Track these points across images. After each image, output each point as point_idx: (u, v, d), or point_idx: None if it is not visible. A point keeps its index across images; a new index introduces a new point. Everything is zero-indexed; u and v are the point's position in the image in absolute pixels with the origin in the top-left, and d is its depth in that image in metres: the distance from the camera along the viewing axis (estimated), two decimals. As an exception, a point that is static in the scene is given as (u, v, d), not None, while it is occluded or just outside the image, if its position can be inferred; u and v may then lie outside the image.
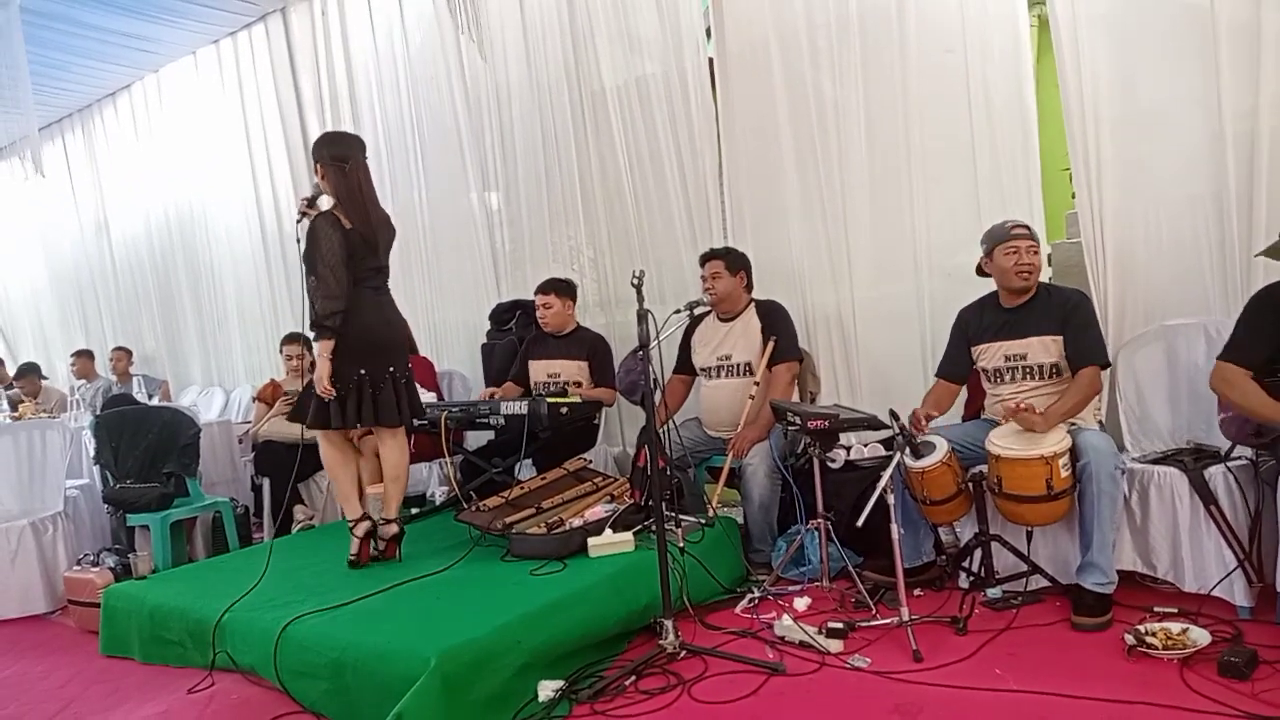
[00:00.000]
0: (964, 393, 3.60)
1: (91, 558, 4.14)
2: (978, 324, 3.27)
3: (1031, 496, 2.84)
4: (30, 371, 7.53)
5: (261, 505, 4.82)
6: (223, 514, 4.50)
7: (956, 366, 3.34)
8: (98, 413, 5.08)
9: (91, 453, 4.71)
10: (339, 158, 3.37)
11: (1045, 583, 3.05)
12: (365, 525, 3.46)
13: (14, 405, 7.36)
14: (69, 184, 8.65)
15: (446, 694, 2.35)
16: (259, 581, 3.24)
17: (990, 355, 3.22)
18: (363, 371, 3.36)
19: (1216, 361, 2.70)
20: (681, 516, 3.43)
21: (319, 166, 3.40)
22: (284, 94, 6.44)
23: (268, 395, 5.13)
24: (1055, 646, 2.71)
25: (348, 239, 3.29)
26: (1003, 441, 2.92)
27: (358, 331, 3.34)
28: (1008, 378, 3.18)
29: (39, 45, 6.15)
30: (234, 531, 4.44)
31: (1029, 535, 3.04)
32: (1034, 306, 3.14)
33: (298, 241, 3.36)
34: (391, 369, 3.44)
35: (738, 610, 3.25)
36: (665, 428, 3.40)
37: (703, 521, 3.50)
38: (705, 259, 3.94)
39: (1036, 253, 3.12)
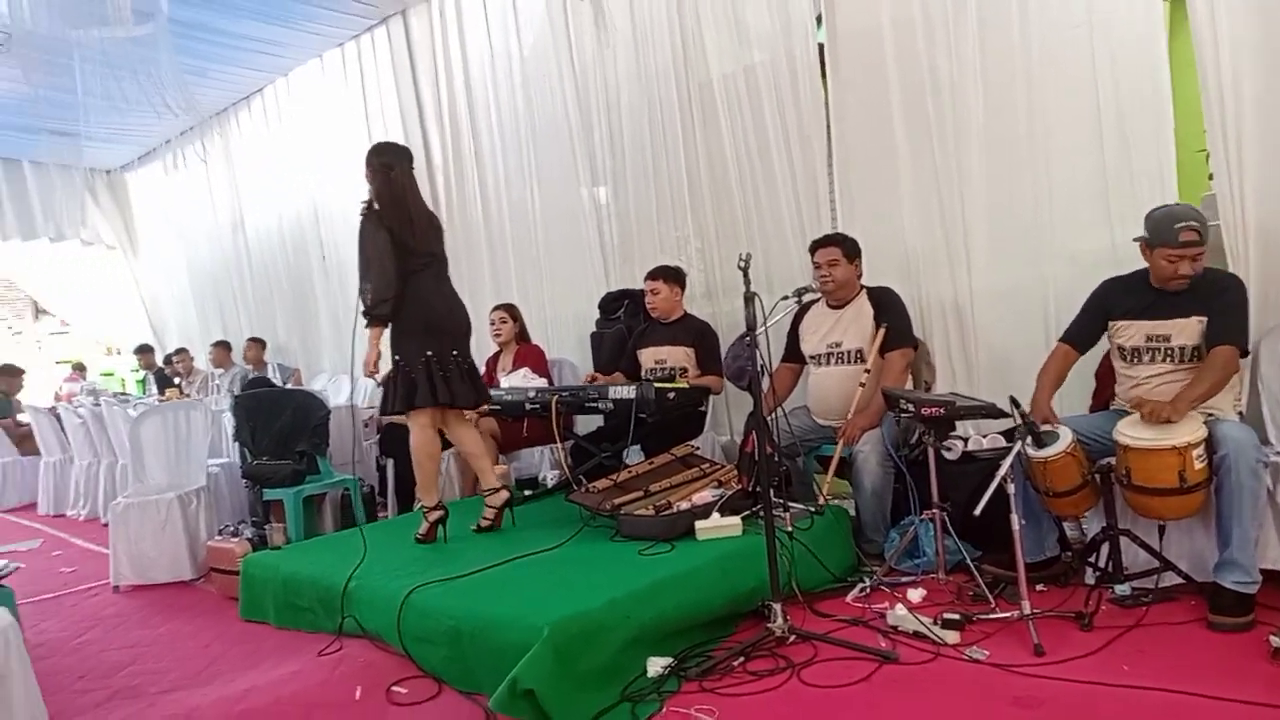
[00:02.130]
0: (1092, 382, 3.45)
1: (231, 529, 4.44)
2: (1124, 298, 3.07)
3: (1163, 489, 2.70)
4: (183, 351, 8.54)
5: (386, 485, 5.04)
6: (351, 491, 4.74)
7: (1083, 334, 3.18)
8: (236, 395, 5.42)
9: (231, 431, 5.03)
10: (386, 165, 3.64)
11: (1179, 580, 2.89)
12: (438, 514, 3.65)
13: (162, 388, 7.98)
14: (207, 184, 9.24)
15: (558, 662, 2.42)
16: (364, 556, 3.40)
17: (1131, 333, 3.05)
18: (430, 353, 3.55)
19: None
20: (790, 504, 3.42)
21: (369, 171, 3.66)
22: (404, 93, 6.71)
23: (390, 381, 5.35)
24: (1189, 646, 2.57)
25: (392, 235, 3.50)
26: (1132, 431, 2.79)
27: (421, 314, 3.56)
28: (1146, 358, 3.01)
29: (181, 53, 6.58)
30: (361, 508, 4.67)
31: (1161, 530, 2.89)
32: (1189, 287, 2.92)
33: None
34: (456, 352, 3.62)
35: (848, 599, 3.22)
36: (773, 415, 3.39)
37: (812, 510, 3.47)
38: (819, 245, 3.90)
39: (1199, 260, 2.85)
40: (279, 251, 8.49)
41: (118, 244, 10.83)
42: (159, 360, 9.52)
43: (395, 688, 2.78)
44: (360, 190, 7.01)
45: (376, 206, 3.57)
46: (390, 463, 4.98)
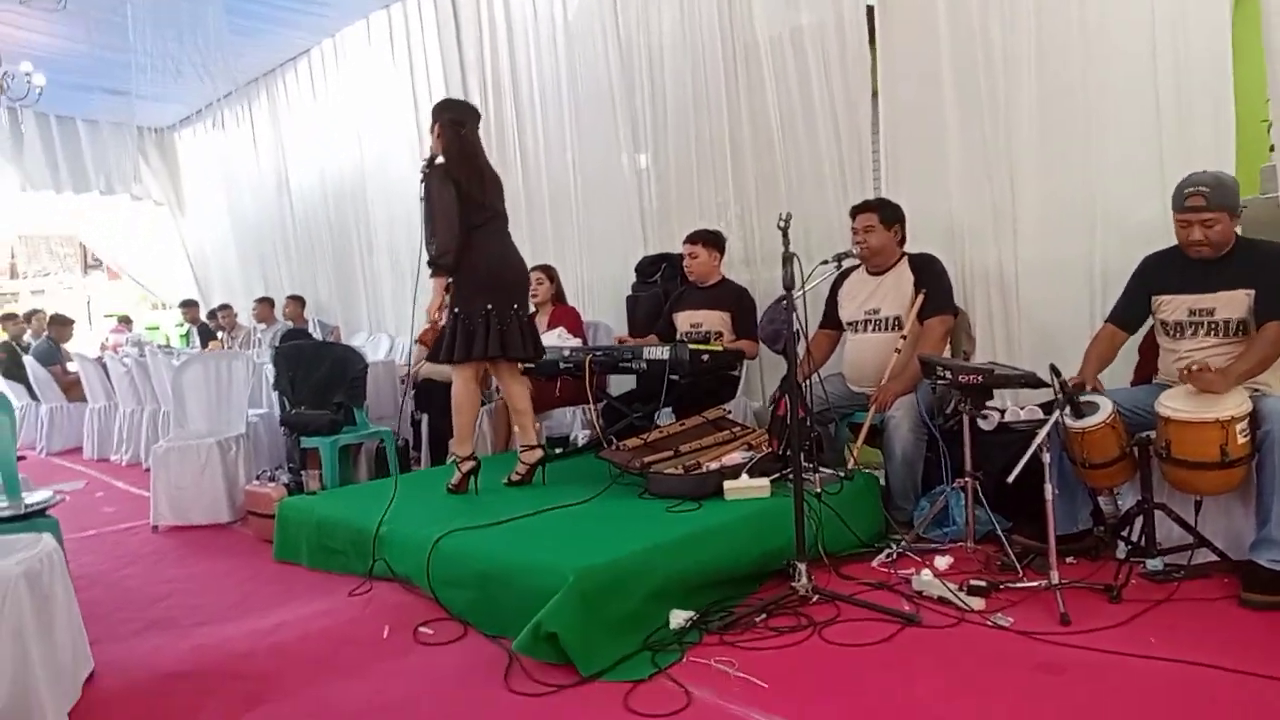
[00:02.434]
0: (1135, 355, 3.39)
1: (269, 474, 4.53)
2: (1163, 273, 3.03)
3: (1203, 463, 2.64)
4: (227, 307, 8.71)
5: (420, 438, 5.11)
6: (385, 443, 4.81)
7: (1130, 314, 3.13)
8: (276, 346, 5.51)
9: (271, 381, 5.12)
10: (456, 121, 3.68)
11: (1213, 558, 2.84)
12: (471, 465, 3.71)
13: (205, 342, 8.15)
14: (253, 144, 9.35)
15: (583, 608, 2.44)
16: (392, 501, 3.45)
17: (1173, 308, 2.99)
18: (490, 306, 3.59)
19: None
20: (820, 468, 3.41)
21: (436, 126, 3.68)
22: (448, 55, 6.71)
23: (428, 338, 5.38)
24: (1220, 622, 2.53)
25: (458, 190, 3.54)
26: (1174, 403, 2.73)
27: (483, 267, 3.61)
28: (1189, 332, 2.95)
29: (230, 12, 6.64)
30: (395, 460, 4.74)
31: (1197, 506, 2.83)
32: (1230, 259, 2.87)
33: (420, 199, 3.63)
34: (515, 306, 3.66)
35: (874, 564, 3.21)
36: (808, 381, 3.37)
37: (841, 475, 3.46)
38: (857, 211, 3.85)
39: (1211, 226, 2.80)
40: (321, 212, 8.59)
41: (165, 201, 11.03)
42: (203, 315, 9.71)
43: (422, 628, 2.83)
44: (403, 152, 7.20)
45: (441, 161, 3.61)
46: (425, 417, 5.04)
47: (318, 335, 7.15)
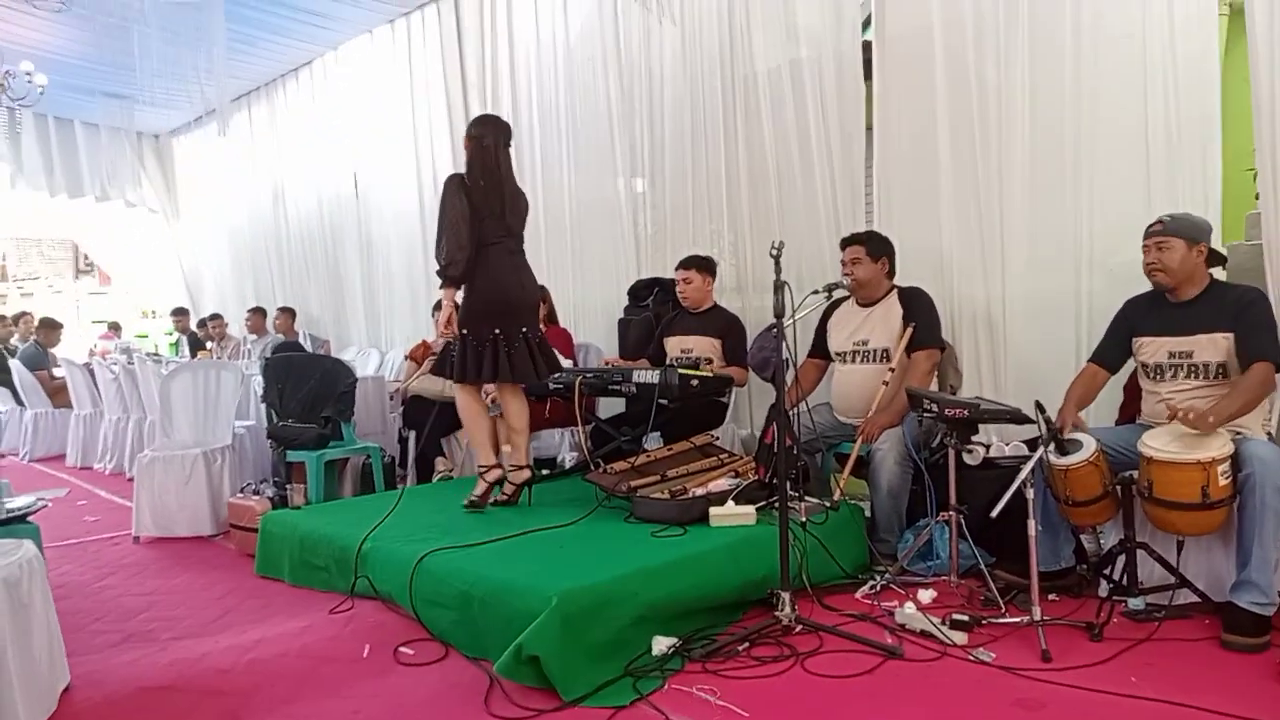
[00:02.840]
0: (1120, 395, 3.42)
1: (253, 487, 4.51)
2: (1144, 316, 3.10)
3: (1185, 504, 2.67)
4: (218, 316, 8.72)
5: (407, 455, 5.09)
6: (372, 459, 4.79)
7: (1111, 354, 3.18)
8: (267, 357, 5.50)
9: (259, 393, 5.11)
10: (480, 134, 3.72)
11: (1194, 598, 2.86)
12: (497, 473, 3.70)
13: (194, 352, 8.12)
14: (250, 153, 9.37)
15: (565, 632, 2.44)
16: (391, 510, 3.45)
17: (1153, 350, 3.04)
18: (498, 331, 3.60)
19: None
20: (805, 498, 3.41)
21: (466, 139, 3.76)
22: (450, 72, 6.76)
23: (418, 354, 5.41)
24: (1201, 663, 2.55)
25: (472, 201, 3.58)
26: (1156, 443, 2.76)
27: (491, 290, 3.62)
28: (1169, 375, 2.99)
29: (233, 20, 6.66)
30: (381, 476, 4.72)
31: (1179, 546, 2.85)
32: (1205, 302, 2.95)
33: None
34: (524, 329, 3.67)
35: (858, 595, 3.22)
36: (795, 409, 3.39)
37: (827, 505, 3.47)
38: (846, 243, 3.90)
39: (1166, 248, 2.95)
40: (316, 225, 8.60)
41: (160, 208, 11.02)
42: (193, 324, 9.68)
43: (403, 648, 2.82)
44: (401, 168, 7.23)
45: (460, 172, 3.69)
46: (412, 434, 5.03)
47: (308, 349, 7.14)
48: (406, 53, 7.20)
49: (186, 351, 8.85)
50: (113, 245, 11.59)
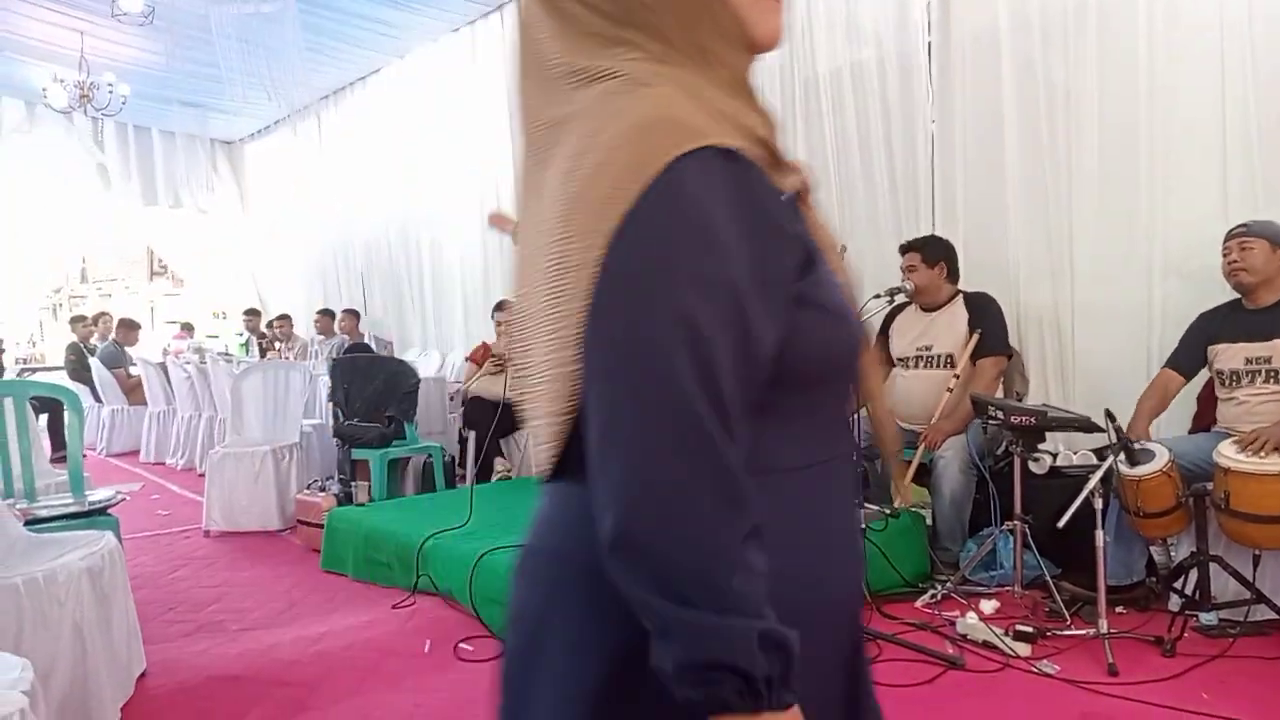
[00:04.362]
0: (1194, 405, 3.32)
1: (319, 484, 4.64)
2: (1219, 323, 3.06)
3: (1264, 516, 2.58)
4: (286, 317, 8.97)
5: (466, 455, 5.17)
6: (434, 458, 4.88)
7: (1186, 360, 3.13)
8: (334, 358, 5.64)
9: (326, 393, 5.24)
10: None
11: (1272, 615, 2.75)
12: None
13: (263, 352, 8.36)
14: (320, 158, 9.61)
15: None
16: (469, 518, 3.50)
17: (1229, 356, 2.97)
18: None
19: None
20: (865, 504, 3.38)
21: None
22: (510, 77, 6.83)
23: (479, 356, 5.50)
24: (1277, 682, 2.45)
25: None
26: (1235, 454, 2.67)
27: None
28: (1245, 381, 2.92)
29: (305, 30, 6.84)
30: (442, 475, 4.81)
31: (1255, 560, 2.75)
32: None
33: None
34: None
35: (918, 604, 3.17)
36: (856, 415, 3.35)
37: (886, 511, 3.42)
38: (903, 250, 3.84)
39: (1249, 248, 2.92)
40: (382, 229, 8.78)
41: (231, 214, 11.37)
42: (263, 325, 9.97)
43: (463, 644, 2.87)
44: (469, 174, 7.33)
45: None
46: (472, 434, 5.10)
47: (375, 350, 7.30)
48: (471, 59, 7.31)
49: (256, 352, 9.12)
50: (185, 248, 11.99)
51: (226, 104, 8.32)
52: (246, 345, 9.56)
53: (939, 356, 3.74)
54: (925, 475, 3.63)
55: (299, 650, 2.90)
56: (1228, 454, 2.68)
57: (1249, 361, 2.92)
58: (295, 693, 2.59)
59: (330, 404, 5.11)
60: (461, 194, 7.52)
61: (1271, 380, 2.86)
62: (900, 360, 3.89)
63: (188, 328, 11.64)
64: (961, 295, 3.80)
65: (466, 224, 7.48)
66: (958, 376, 3.62)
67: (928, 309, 3.83)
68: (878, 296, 3.46)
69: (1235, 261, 2.94)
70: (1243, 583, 2.77)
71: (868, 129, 4.56)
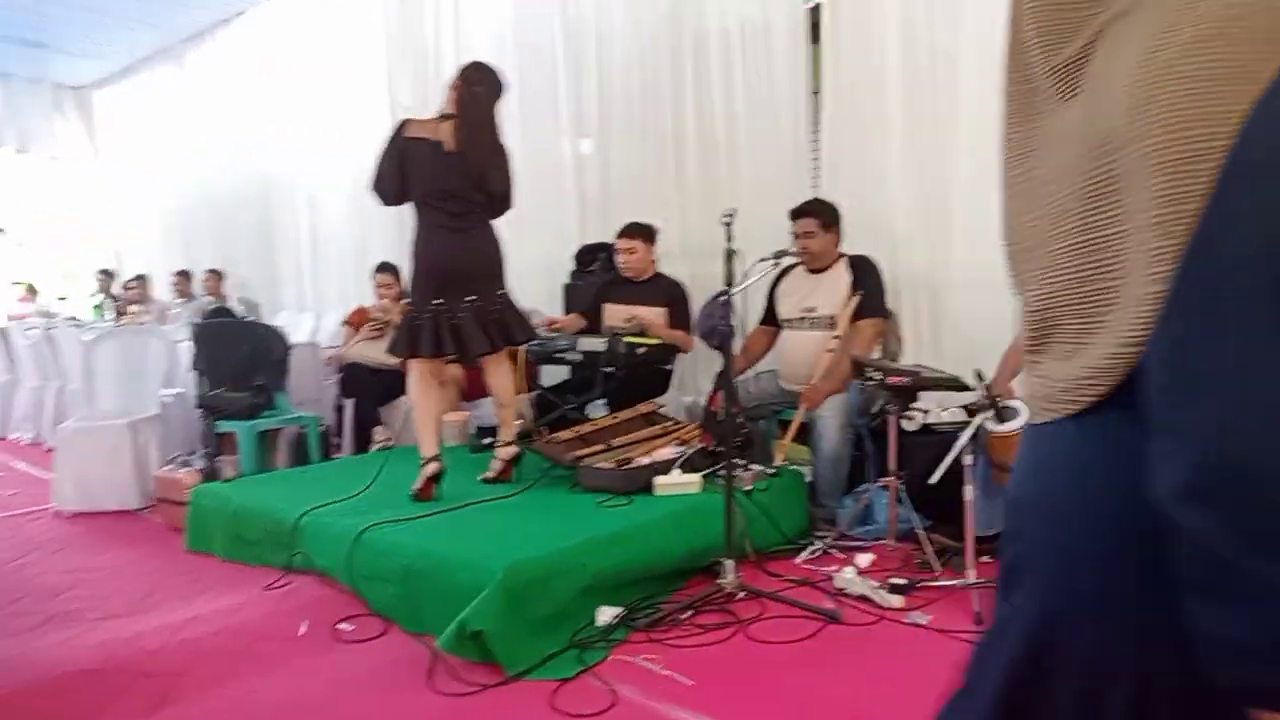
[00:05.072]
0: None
1: (182, 459, 4.37)
2: None
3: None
4: (142, 278, 8.32)
5: (342, 425, 4.98)
6: (308, 429, 4.67)
7: None
8: (196, 324, 5.30)
9: (188, 361, 4.93)
10: (471, 80, 3.46)
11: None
12: (434, 467, 3.34)
13: (119, 313, 7.80)
14: (179, 109, 8.97)
15: (509, 606, 2.41)
16: (364, 488, 3.36)
17: None
18: (438, 301, 3.38)
19: None
20: (750, 465, 3.43)
21: (455, 84, 3.48)
22: (390, 24, 6.51)
23: (356, 320, 5.27)
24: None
25: (407, 149, 3.35)
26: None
27: (429, 261, 3.41)
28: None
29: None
30: (317, 446, 4.61)
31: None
32: None
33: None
34: (472, 298, 3.42)
35: (798, 560, 3.25)
36: (742, 377, 3.39)
37: (769, 472, 3.49)
38: (798, 214, 3.86)
39: None
40: (248, 183, 8.28)
41: (81, 165, 10.52)
42: (117, 287, 9.30)
43: (342, 625, 2.76)
44: (339, 123, 6.97)
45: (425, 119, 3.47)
46: (350, 402, 4.92)
47: (240, 312, 6.90)
48: (345, 2, 6.92)
49: (110, 315, 8.51)
50: (28, 202, 11.04)
51: (71, 45, 7.61)
52: (99, 308, 8.91)
53: (822, 318, 3.81)
54: (806, 434, 3.71)
55: (163, 638, 2.73)
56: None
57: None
58: (160, 684, 2.43)
59: (193, 372, 4.80)
60: (337, 146, 7.15)
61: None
62: (786, 321, 3.95)
63: (32, 290, 10.75)
64: (845, 258, 3.86)
65: (342, 178, 7.13)
66: (838, 338, 3.70)
67: (814, 271, 3.88)
68: (764, 260, 3.46)
69: None
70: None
71: (755, 91, 4.56)
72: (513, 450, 3.60)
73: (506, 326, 3.55)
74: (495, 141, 3.52)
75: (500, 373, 3.63)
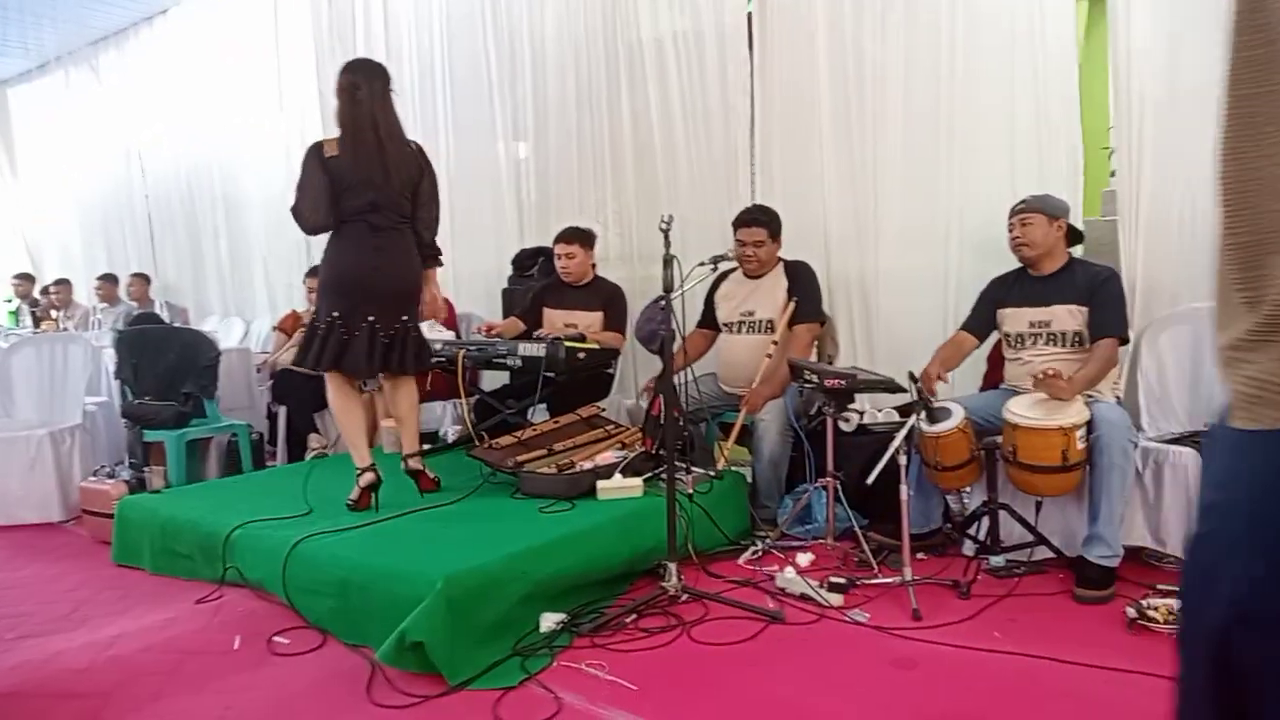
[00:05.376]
0: (984, 364, 3.60)
1: (108, 470, 4.22)
2: (1007, 289, 3.30)
3: (1046, 466, 2.84)
4: (64, 282, 7.95)
5: (276, 432, 4.87)
6: (239, 437, 4.55)
7: (977, 323, 3.37)
8: (120, 330, 5.13)
9: (112, 368, 4.76)
10: (352, 84, 3.18)
11: (1050, 554, 3.05)
12: (370, 477, 3.24)
13: (37, 321, 7.50)
14: (100, 107, 8.65)
15: (451, 616, 2.38)
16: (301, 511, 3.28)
17: (1015, 320, 3.24)
18: (336, 314, 3.19)
19: None
20: (692, 467, 3.45)
21: (337, 90, 3.22)
22: (319, 25, 6.39)
23: (288, 325, 5.17)
24: (1056, 615, 2.72)
25: (329, 169, 3.13)
26: (1021, 410, 2.92)
27: (336, 272, 3.21)
28: (1029, 343, 3.20)
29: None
30: (249, 455, 4.49)
31: (1038, 506, 3.04)
32: (1063, 276, 3.16)
33: None
34: (371, 318, 3.20)
35: (740, 561, 3.29)
36: (682, 380, 3.41)
37: (711, 474, 3.52)
38: (744, 224, 3.86)
39: (1030, 224, 3.15)
40: (174, 184, 8.04)
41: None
42: (36, 291, 8.93)
43: (277, 638, 2.70)
44: (266, 124, 6.81)
45: (328, 139, 3.19)
46: (282, 409, 4.81)
47: (166, 318, 6.69)
48: (272, 2, 6.76)
49: (29, 321, 8.16)
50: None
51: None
52: (16, 314, 8.55)
53: (760, 322, 3.85)
54: (746, 436, 3.75)
55: (89, 656, 2.63)
56: (1016, 411, 2.92)
57: (1032, 325, 3.18)
58: (87, 704, 2.35)
59: (117, 381, 4.64)
60: (266, 146, 6.99)
61: (1051, 342, 3.15)
62: (725, 325, 3.99)
63: (-58, 294, 10.26)
64: (782, 263, 3.92)
65: (272, 178, 6.96)
66: (776, 342, 3.75)
67: (752, 276, 3.93)
68: (702, 264, 3.49)
69: (1018, 237, 3.18)
70: (1026, 527, 3.05)
71: (690, 98, 4.60)
72: (416, 463, 3.47)
73: (421, 347, 3.41)
74: (400, 135, 3.31)
75: (403, 391, 3.46)
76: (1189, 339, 3.23)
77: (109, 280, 7.91)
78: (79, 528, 4.13)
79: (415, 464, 3.50)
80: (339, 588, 2.67)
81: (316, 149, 3.19)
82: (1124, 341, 3.08)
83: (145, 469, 4.21)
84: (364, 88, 3.18)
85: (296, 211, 3.23)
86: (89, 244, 9.36)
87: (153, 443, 4.32)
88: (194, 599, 3.04)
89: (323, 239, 3.35)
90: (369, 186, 3.17)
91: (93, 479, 4.12)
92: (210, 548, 3.15)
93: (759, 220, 3.86)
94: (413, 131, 5.70)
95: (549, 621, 2.62)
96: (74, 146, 9.16)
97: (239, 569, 3.05)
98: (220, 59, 7.27)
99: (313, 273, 5.17)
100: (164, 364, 4.46)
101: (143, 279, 7.80)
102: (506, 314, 4.98)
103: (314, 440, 4.70)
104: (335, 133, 3.23)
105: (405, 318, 3.31)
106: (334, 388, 3.36)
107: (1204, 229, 3.28)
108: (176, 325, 6.13)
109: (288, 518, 3.16)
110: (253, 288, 7.40)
